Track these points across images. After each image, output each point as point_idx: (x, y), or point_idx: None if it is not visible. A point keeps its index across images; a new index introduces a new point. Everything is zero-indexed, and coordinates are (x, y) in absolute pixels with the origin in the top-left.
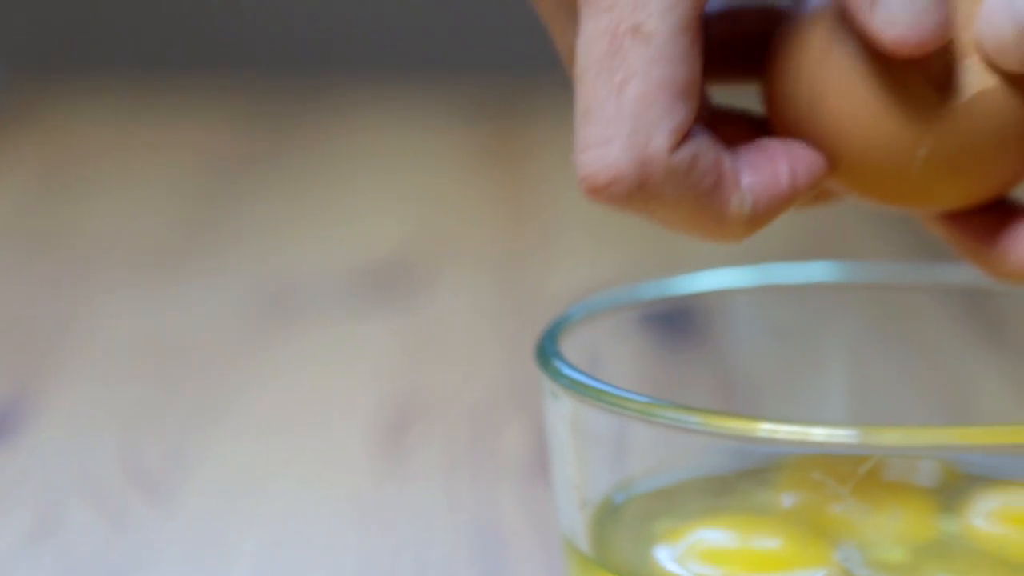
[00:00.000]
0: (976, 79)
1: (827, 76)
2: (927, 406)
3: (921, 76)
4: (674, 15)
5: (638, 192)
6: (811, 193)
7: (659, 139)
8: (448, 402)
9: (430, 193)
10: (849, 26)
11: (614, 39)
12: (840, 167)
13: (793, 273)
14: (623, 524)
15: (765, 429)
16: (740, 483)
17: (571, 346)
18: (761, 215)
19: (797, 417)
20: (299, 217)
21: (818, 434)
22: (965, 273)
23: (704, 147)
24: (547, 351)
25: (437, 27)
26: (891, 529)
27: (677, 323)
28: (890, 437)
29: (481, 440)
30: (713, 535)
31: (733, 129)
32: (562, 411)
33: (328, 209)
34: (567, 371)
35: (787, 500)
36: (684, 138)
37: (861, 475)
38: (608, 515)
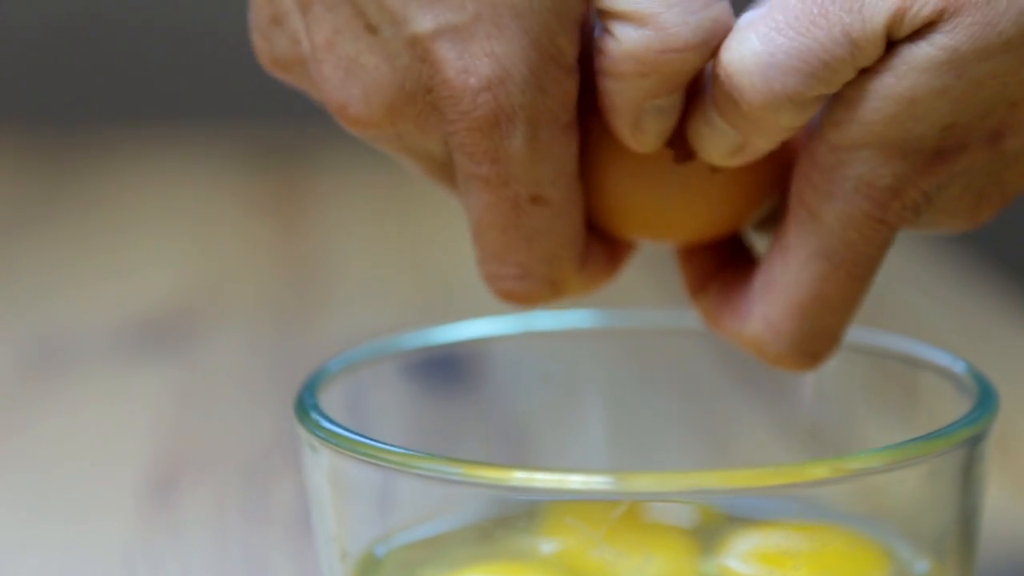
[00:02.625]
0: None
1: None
2: (688, 446)
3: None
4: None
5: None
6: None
7: (569, 265)
8: (220, 453)
9: (206, 243)
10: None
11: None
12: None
13: (554, 320)
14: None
15: (520, 478)
16: (501, 530)
17: (335, 398)
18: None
19: (562, 460)
20: (73, 269)
21: (574, 481)
22: None
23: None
24: (305, 404)
25: (213, 76)
26: (647, 572)
27: (441, 371)
28: (645, 483)
29: (252, 491)
30: None
31: None
32: (320, 464)
33: (103, 261)
34: (325, 423)
35: (546, 546)
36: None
37: (615, 519)
38: (370, 567)
